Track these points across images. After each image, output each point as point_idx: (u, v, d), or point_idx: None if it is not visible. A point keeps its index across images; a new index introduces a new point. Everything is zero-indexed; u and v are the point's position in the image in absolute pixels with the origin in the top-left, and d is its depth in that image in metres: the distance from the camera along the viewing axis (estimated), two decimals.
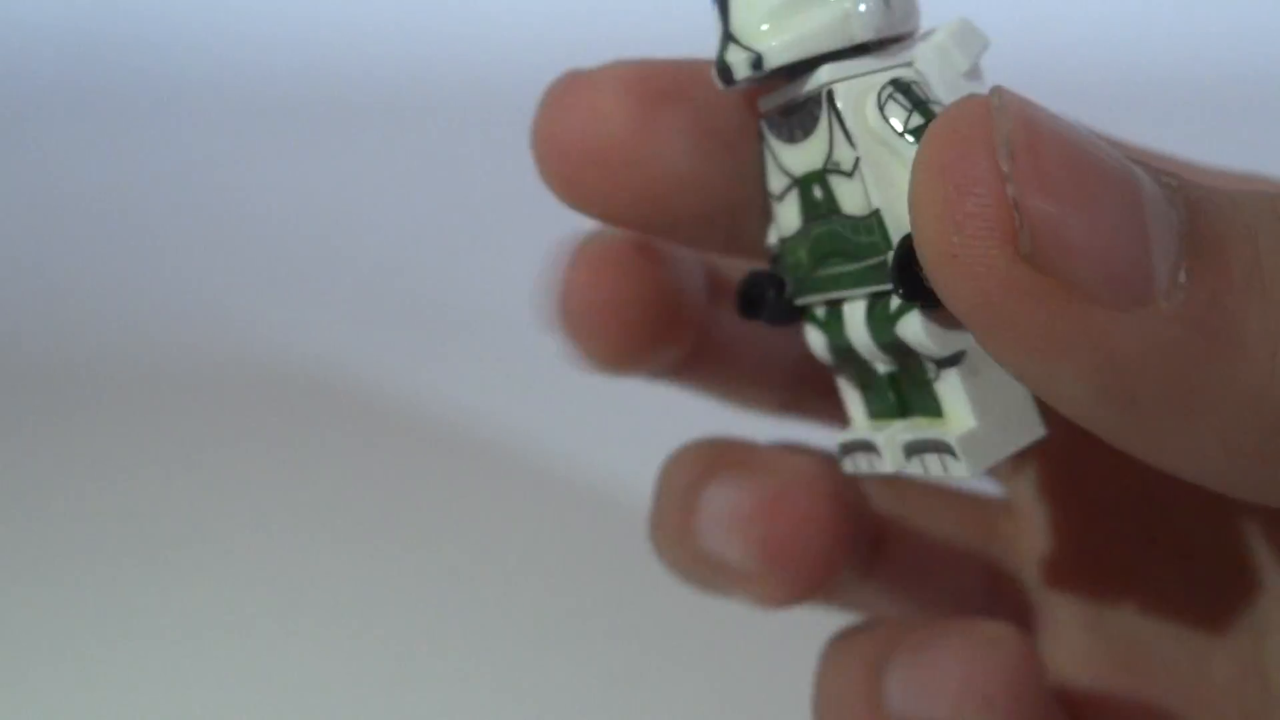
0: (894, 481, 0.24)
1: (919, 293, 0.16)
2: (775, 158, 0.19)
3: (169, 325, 0.58)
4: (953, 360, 0.18)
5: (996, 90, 0.14)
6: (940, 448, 0.18)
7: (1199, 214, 0.14)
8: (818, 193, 0.18)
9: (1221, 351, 0.14)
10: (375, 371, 0.53)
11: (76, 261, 0.65)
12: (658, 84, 0.19)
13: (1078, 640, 0.23)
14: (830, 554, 0.21)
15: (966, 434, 0.18)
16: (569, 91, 0.19)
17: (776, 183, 0.19)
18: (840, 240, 0.18)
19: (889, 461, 0.19)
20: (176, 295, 0.62)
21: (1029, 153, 0.14)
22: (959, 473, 0.18)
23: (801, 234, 0.19)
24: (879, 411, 0.20)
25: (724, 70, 0.18)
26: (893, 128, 0.17)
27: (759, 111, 0.19)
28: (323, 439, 0.49)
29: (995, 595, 0.24)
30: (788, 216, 0.19)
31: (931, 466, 0.18)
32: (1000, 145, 0.14)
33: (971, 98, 0.14)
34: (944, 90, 0.18)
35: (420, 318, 0.57)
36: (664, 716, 0.35)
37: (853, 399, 0.20)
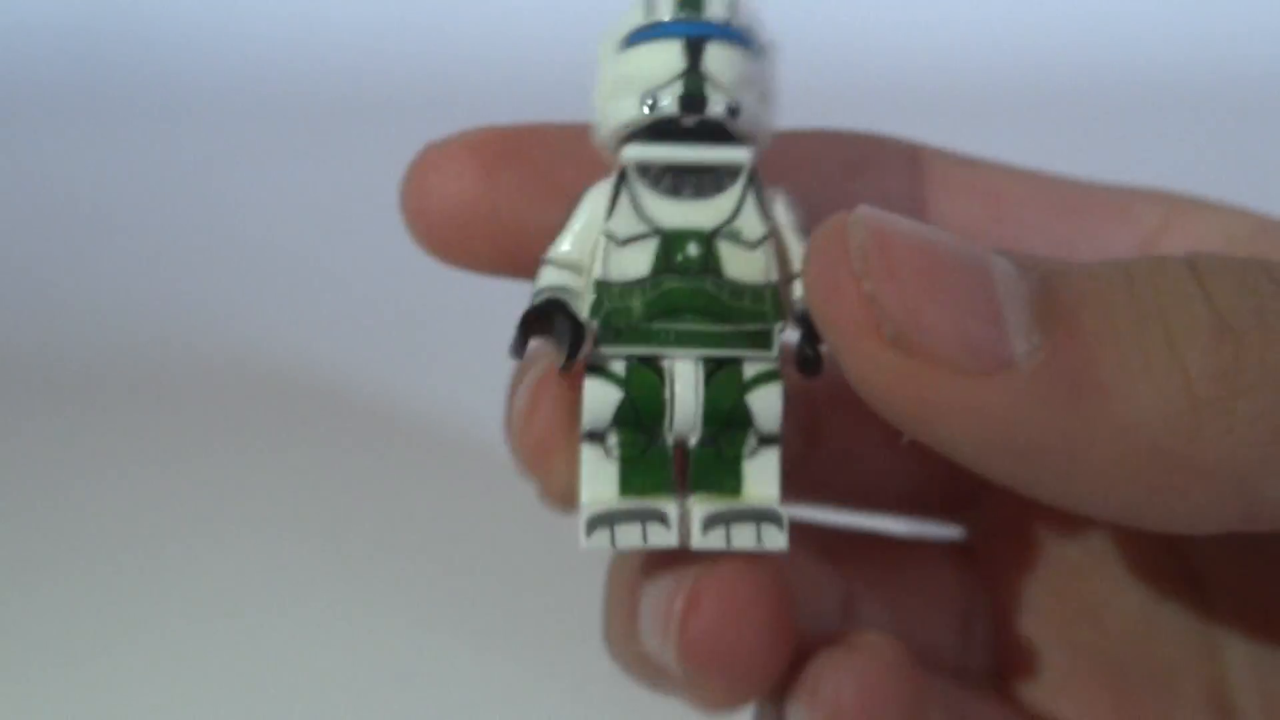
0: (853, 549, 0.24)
1: (817, 368, 0.19)
2: (637, 206, 0.19)
3: (165, 326, 0.58)
4: (775, 438, 0.19)
5: (857, 209, 0.16)
6: (762, 516, 0.19)
7: (1051, 284, 0.16)
8: (693, 250, 0.19)
9: (1084, 395, 0.15)
10: (371, 373, 0.53)
11: (71, 262, 0.65)
12: (498, 147, 0.21)
13: (1053, 666, 0.23)
14: (762, 653, 0.19)
15: (782, 506, 0.19)
16: (425, 160, 0.21)
17: (624, 227, 0.19)
18: (707, 299, 0.19)
19: (676, 534, 0.19)
20: (171, 297, 0.62)
21: (880, 253, 0.16)
22: (778, 544, 0.19)
23: (643, 284, 0.19)
24: (641, 486, 0.19)
25: (696, 101, 0.19)
26: (795, 224, 0.19)
27: (621, 161, 0.20)
28: (319, 440, 0.49)
29: (969, 639, 0.24)
30: (627, 262, 0.19)
31: (740, 539, 0.19)
32: (855, 251, 0.16)
33: (833, 217, 0.17)
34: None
35: (418, 319, 0.57)
36: (661, 717, 0.35)
37: (603, 470, 0.19)
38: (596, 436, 0.19)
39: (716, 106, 0.19)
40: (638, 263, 0.19)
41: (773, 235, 0.19)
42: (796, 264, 0.19)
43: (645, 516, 0.19)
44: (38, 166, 0.76)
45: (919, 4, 0.79)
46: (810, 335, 0.19)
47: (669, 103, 0.19)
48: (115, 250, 0.66)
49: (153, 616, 0.39)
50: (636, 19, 0.19)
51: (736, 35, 0.19)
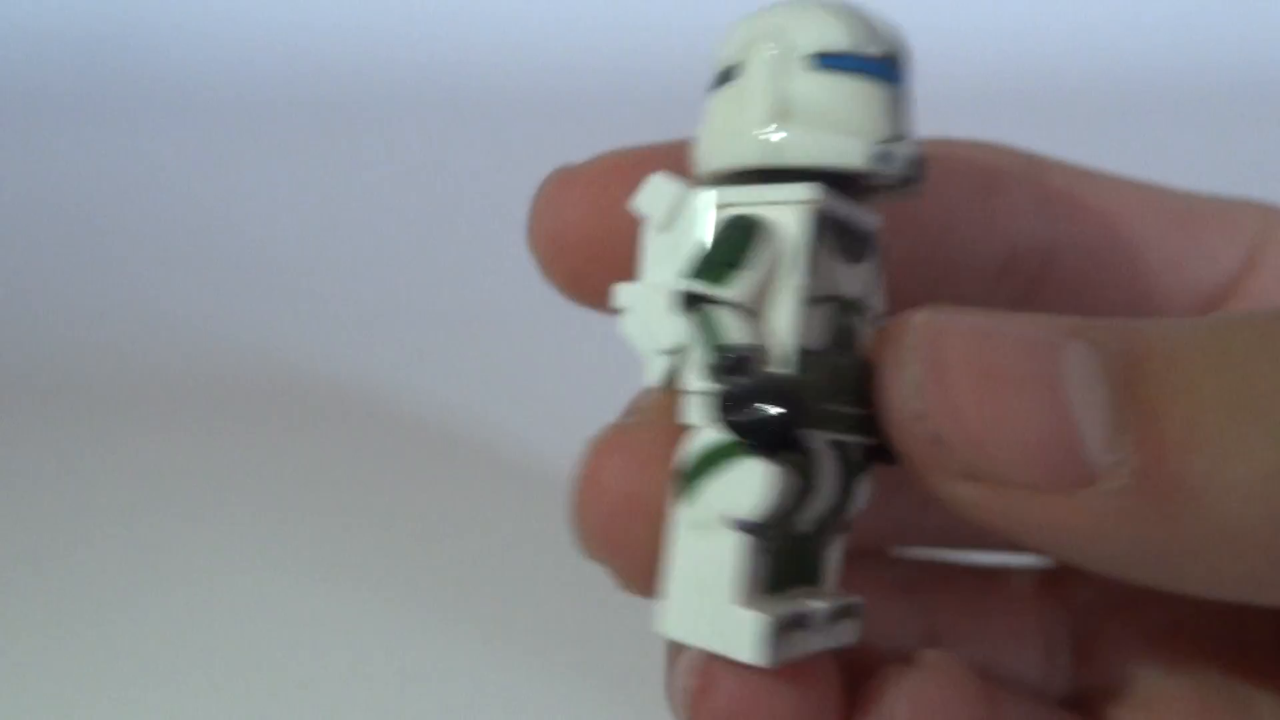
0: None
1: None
2: (820, 261, 0.17)
3: (162, 326, 0.58)
4: (849, 525, 0.18)
5: (914, 321, 0.15)
6: (847, 613, 0.18)
7: (1130, 374, 0.15)
8: (852, 322, 0.17)
9: (1177, 504, 0.14)
10: (370, 372, 0.53)
11: (70, 262, 0.65)
12: (641, 170, 0.18)
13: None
14: None
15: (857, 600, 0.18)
16: (566, 187, 0.19)
17: (817, 285, 0.17)
18: (857, 379, 0.17)
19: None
20: (169, 297, 0.61)
21: (938, 386, 0.15)
22: (849, 639, 0.18)
23: (825, 357, 0.17)
24: (781, 582, 0.17)
25: (919, 167, 0.17)
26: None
27: (815, 204, 0.17)
28: (320, 438, 0.49)
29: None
30: (814, 327, 0.17)
31: (817, 642, 0.17)
32: (910, 388, 0.15)
33: (890, 327, 0.16)
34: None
35: (414, 320, 0.57)
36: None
37: (754, 567, 0.17)
38: (755, 529, 0.16)
39: (914, 168, 0.17)
40: (821, 330, 0.17)
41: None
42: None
43: (802, 621, 0.17)
44: (32, 167, 0.76)
45: (920, 4, 0.78)
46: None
47: (900, 166, 0.16)
48: (115, 250, 0.66)
49: (151, 617, 0.39)
50: (831, 35, 0.16)
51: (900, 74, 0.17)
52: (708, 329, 0.16)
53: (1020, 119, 0.63)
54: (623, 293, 0.18)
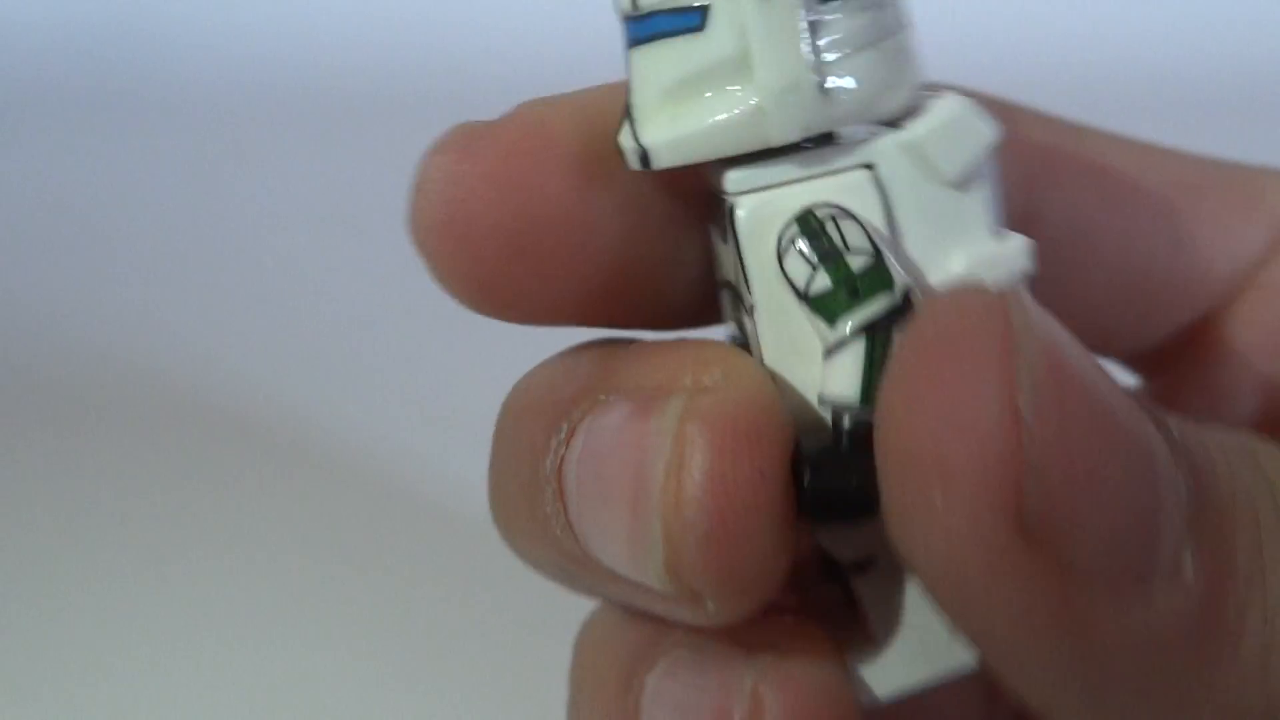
0: None
1: (820, 512, 0.13)
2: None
3: (159, 333, 0.58)
4: (860, 566, 0.14)
5: (1014, 295, 0.11)
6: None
7: (1201, 480, 0.12)
8: (739, 313, 0.14)
9: (1218, 649, 0.12)
10: (371, 371, 0.53)
11: (64, 263, 0.65)
12: (596, 149, 0.13)
13: None
14: None
15: (865, 653, 0.14)
16: (469, 155, 0.13)
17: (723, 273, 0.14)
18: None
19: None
20: (165, 302, 0.62)
21: (1057, 401, 0.10)
22: (861, 698, 0.14)
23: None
24: None
25: (619, 153, 0.13)
26: (792, 285, 0.12)
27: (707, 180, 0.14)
28: (317, 440, 0.49)
29: None
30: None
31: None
32: (1024, 380, 0.10)
33: (975, 292, 0.11)
34: (911, 213, 0.13)
35: (413, 322, 0.57)
36: None
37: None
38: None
39: (630, 161, 0.14)
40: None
41: (772, 305, 0.13)
42: (819, 338, 0.13)
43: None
44: (31, 167, 0.76)
45: (920, 4, 0.78)
46: (817, 453, 0.13)
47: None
48: (114, 251, 0.66)
49: (131, 640, 0.38)
50: None
51: (648, 26, 0.13)
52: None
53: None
54: None
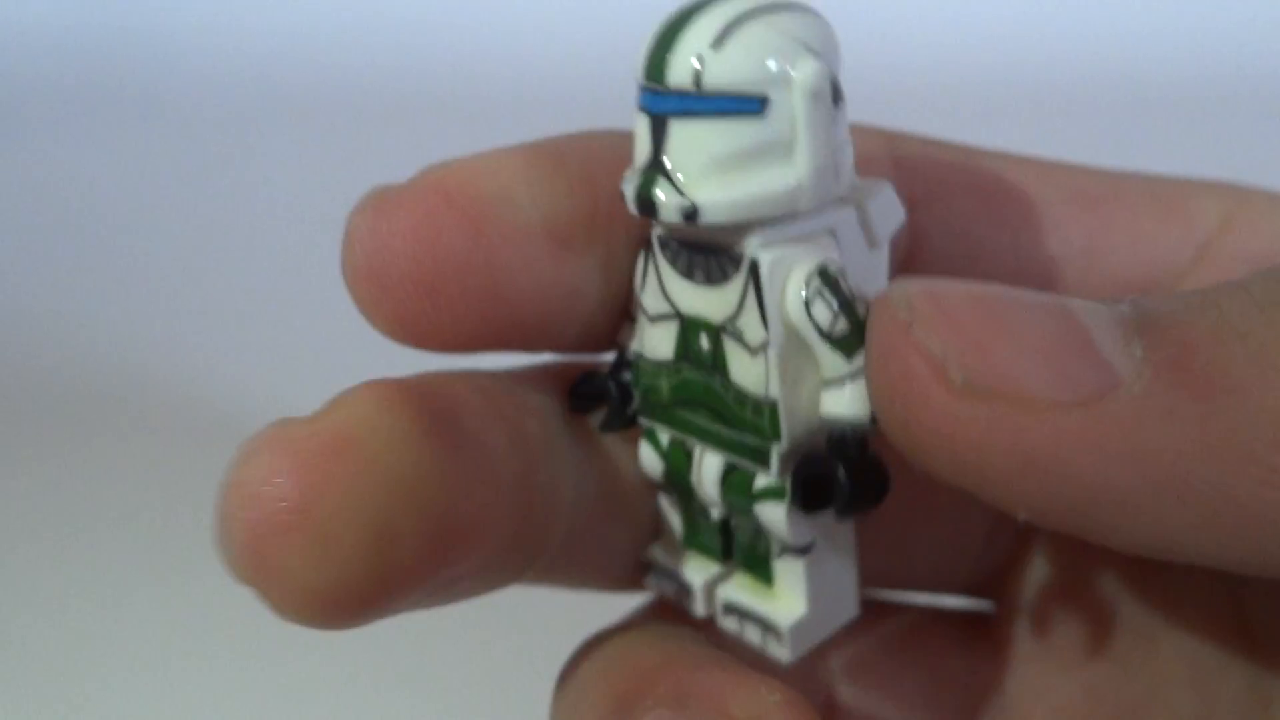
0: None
1: (813, 505, 0.16)
2: (661, 280, 0.17)
3: (155, 331, 0.58)
4: (802, 550, 0.18)
5: (898, 284, 0.14)
6: (767, 627, 0.18)
7: (1143, 305, 0.14)
8: (704, 343, 0.17)
9: (1217, 405, 0.13)
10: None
11: (62, 264, 0.65)
12: (491, 204, 0.16)
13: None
14: None
15: (797, 622, 0.18)
16: (385, 214, 0.16)
17: (654, 303, 0.17)
18: (715, 399, 0.17)
19: (701, 608, 0.19)
20: (158, 303, 0.62)
21: (933, 303, 0.14)
22: (779, 655, 0.18)
23: (668, 366, 0.17)
24: (699, 544, 0.19)
25: (647, 205, 0.15)
26: (817, 327, 0.16)
27: (651, 222, 0.16)
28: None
29: None
30: (657, 341, 0.17)
31: (750, 635, 0.18)
32: (899, 307, 0.14)
33: (894, 290, 0.14)
34: (855, 266, 0.16)
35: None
36: None
37: (674, 518, 0.19)
38: (665, 491, 0.19)
39: (669, 215, 0.15)
40: (664, 343, 0.17)
41: (783, 342, 0.16)
42: (827, 369, 0.16)
43: (673, 578, 0.19)
44: (33, 166, 0.76)
45: (921, 3, 0.79)
46: (845, 461, 0.16)
47: (630, 201, 0.16)
48: (112, 252, 0.66)
49: (114, 648, 0.38)
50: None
51: (710, 104, 0.15)
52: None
53: (1018, 119, 0.63)
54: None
